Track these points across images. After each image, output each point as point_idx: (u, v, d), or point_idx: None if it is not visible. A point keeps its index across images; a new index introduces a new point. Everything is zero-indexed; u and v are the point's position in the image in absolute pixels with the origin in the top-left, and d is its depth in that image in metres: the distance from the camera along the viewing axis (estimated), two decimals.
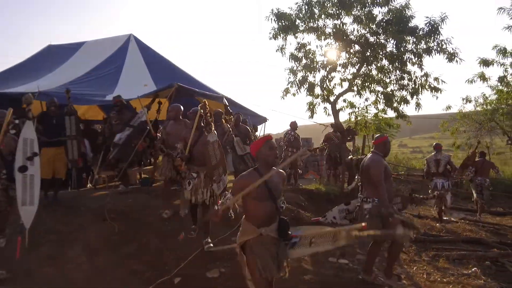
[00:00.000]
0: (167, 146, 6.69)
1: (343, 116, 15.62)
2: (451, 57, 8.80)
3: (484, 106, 14.03)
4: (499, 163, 16.08)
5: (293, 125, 11.29)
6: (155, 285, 4.45)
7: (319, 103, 10.03)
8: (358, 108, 10.47)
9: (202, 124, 5.37)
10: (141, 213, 6.51)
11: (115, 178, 7.74)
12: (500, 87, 11.55)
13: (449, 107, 14.11)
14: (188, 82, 10.04)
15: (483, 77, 11.07)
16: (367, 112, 10.84)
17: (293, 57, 9.31)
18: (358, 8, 8.98)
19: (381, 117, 11.08)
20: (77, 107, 8.81)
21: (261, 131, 13.02)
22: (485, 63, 10.41)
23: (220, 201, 4.11)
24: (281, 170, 3.50)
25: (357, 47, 9.32)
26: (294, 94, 9.40)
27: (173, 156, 6.18)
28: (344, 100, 10.37)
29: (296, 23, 9.43)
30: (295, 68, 9.37)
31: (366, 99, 9.71)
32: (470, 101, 14.01)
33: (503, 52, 10.33)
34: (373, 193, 4.76)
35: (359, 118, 11.14)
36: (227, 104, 9.48)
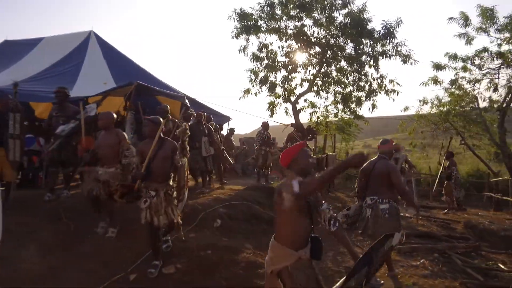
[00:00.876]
0: (96, 159, 5.73)
1: (305, 116, 15.87)
2: (406, 59, 9.20)
3: (441, 108, 14.70)
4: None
5: (265, 125, 11.35)
6: (109, 282, 4.44)
7: (280, 103, 10.24)
8: (319, 108, 10.76)
9: (162, 135, 4.79)
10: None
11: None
12: (452, 90, 12.16)
13: (407, 108, 14.67)
14: (149, 81, 9.98)
15: (436, 81, 11.63)
16: (327, 112, 11.15)
17: (255, 57, 9.46)
18: (318, 11, 9.24)
19: (341, 118, 11.42)
20: (35, 105, 8.61)
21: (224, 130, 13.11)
22: (438, 67, 10.96)
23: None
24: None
25: (317, 49, 9.59)
26: (255, 94, 9.56)
27: (97, 173, 5.44)
28: (305, 100, 10.63)
29: (259, 24, 9.59)
30: (256, 68, 9.53)
31: (326, 99, 9.99)
32: (426, 103, 14.64)
33: (453, 57, 10.90)
34: (388, 195, 4.99)
35: (320, 118, 11.43)
36: (188, 104, 9.49)
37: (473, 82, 11.17)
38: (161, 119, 4.89)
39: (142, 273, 4.78)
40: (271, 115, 10.43)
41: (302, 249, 2.94)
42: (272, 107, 10.24)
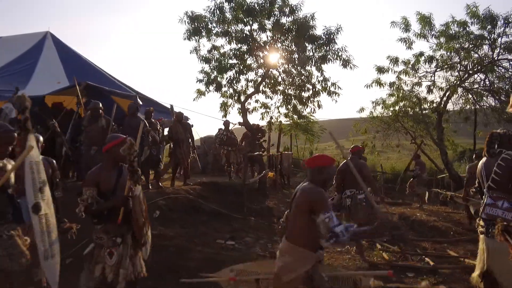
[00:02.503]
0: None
1: (257, 116, 16.39)
2: (346, 63, 9.85)
3: (392, 108, 15.48)
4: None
5: (226, 124, 11.65)
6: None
7: (233, 103, 10.74)
8: (270, 108, 11.31)
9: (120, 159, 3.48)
10: None
11: None
12: (392, 92, 12.93)
13: (362, 110, 15.35)
14: (103, 80, 10.33)
15: (379, 83, 12.38)
16: (279, 112, 11.70)
17: (204, 59, 9.93)
18: (266, 17, 9.77)
19: (291, 118, 11.93)
20: None
21: None
22: (380, 70, 11.71)
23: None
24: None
25: (264, 52, 10.14)
26: (203, 93, 10.00)
27: None
28: (257, 101, 11.16)
29: (209, 27, 10.05)
30: (206, 69, 10.00)
31: (271, 99, 10.53)
32: (379, 104, 15.39)
33: (394, 61, 11.67)
34: (360, 187, 5.88)
35: (273, 118, 11.93)
36: (141, 103, 9.83)
37: (412, 85, 12.01)
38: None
39: (77, 258, 5.00)
40: (225, 115, 10.89)
41: (318, 250, 2.91)
42: (225, 107, 10.69)
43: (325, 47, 9.89)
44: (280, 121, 12.45)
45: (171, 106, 9.97)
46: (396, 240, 7.75)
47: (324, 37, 9.72)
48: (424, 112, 13.72)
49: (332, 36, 9.64)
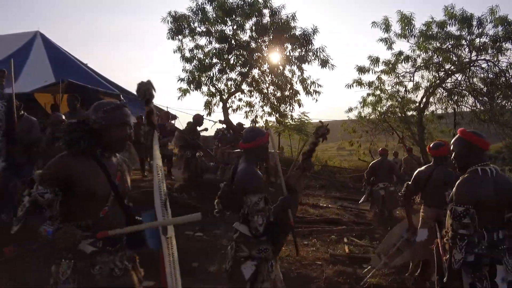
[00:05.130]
0: None
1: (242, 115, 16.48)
2: (324, 63, 10.11)
3: (379, 109, 15.67)
4: None
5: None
6: None
7: (217, 102, 11.01)
8: (254, 107, 11.57)
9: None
10: None
11: None
12: (371, 91, 13.13)
13: (350, 110, 15.55)
14: (90, 79, 10.64)
15: (360, 83, 12.62)
16: (263, 111, 11.95)
17: (185, 58, 10.22)
18: (244, 17, 10.05)
19: (276, 117, 12.14)
20: None
21: None
22: (361, 70, 11.94)
23: None
24: None
25: (242, 52, 10.41)
26: (185, 92, 10.28)
27: None
28: (240, 100, 11.43)
29: (192, 26, 10.34)
30: (187, 67, 10.29)
31: (249, 97, 10.80)
32: (366, 105, 15.58)
33: (375, 61, 11.91)
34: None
35: (257, 117, 12.15)
36: (125, 100, 10.14)
37: (393, 85, 12.24)
38: None
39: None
40: (209, 114, 11.17)
41: None
42: (209, 106, 10.97)
43: (304, 47, 10.15)
44: (266, 120, 12.69)
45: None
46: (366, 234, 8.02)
47: (301, 38, 9.97)
48: (409, 112, 13.95)
49: (309, 37, 9.89)
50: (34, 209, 1.96)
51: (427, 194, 4.30)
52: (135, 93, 2.76)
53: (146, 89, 2.59)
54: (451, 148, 2.81)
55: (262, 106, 11.60)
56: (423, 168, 4.58)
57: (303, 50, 10.24)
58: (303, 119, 12.92)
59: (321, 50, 10.08)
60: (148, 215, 2.39)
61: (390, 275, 5.49)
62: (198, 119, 8.95)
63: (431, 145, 4.47)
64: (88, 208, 2.05)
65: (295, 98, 10.43)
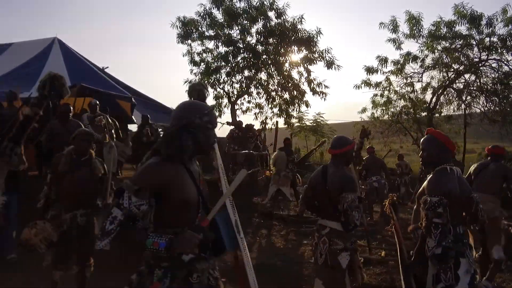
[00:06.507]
0: None
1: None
2: (330, 64, 10.21)
3: (392, 110, 15.56)
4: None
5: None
6: None
7: (227, 104, 11.27)
8: (263, 108, 11.76)
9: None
10: None
11: None
12: (379, 91, 13.05)
13: (364, 110, 15.48)
14: (103, 83, 11.06)
15: (368, 83, 12.60)
16: (272, 112, 12.12)
17: (193, 61, 10.50)
18: (249, 20, 10.26)
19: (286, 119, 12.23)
20: None
21: None
22: (369, 70, 11.93)
23: None
24: None
25: (249, 54, 10.62)
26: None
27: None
28: (249, 102, 11.65)
29: (201, 30, 10.63)
30: (194, 71, 10.58)
31: (255, 99, 10.99)
32: (376, 105, 15.51)
33: (384, 61, 11.88)
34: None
35: (267, 118, 12.31)
36: (135, 103, 10.50)
37: (401, 86, 12.15)
38: None
39: None
40: (219, 116, 11.42)
41: None
42: (219, 108, 11.23)
43: (311, 48, 10.28)
44: (277, 121, 12.83)
45: None
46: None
47: (307, 40, 10.11)
48: (422, 113, 13.79)
49: (313, 38, 10.01)
50: (128, 221, 1.84)
51: (483, 183, 4.88)
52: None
53: (198, 90, 2.69)
54: (422, 146, 2.94)
55: (271, 108, 11.77)
56: (479, 163, 5.31)
57: (309, 52, 10.36)
58: (318, 120, 12.96)
59: (326, 51, 10.17)
60: (221, 216, 2.16)
61: (381, 275, 5.57)
62: None
63: (490, 146, 5.18)
64: (183, 215, 1.96)
65: (303, 99, 10.56)
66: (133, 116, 10.51)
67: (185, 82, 10.53)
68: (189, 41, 10.64)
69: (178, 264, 1.91)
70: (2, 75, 10.94)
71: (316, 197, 3.44)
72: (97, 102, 7.82)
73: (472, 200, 2.79)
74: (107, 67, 13.35)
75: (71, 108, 6.46)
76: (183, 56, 10.85)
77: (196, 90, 2.67)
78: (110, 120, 7.92)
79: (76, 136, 3.68)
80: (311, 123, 20.97)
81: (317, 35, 9.93)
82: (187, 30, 10.44)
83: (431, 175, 2.81)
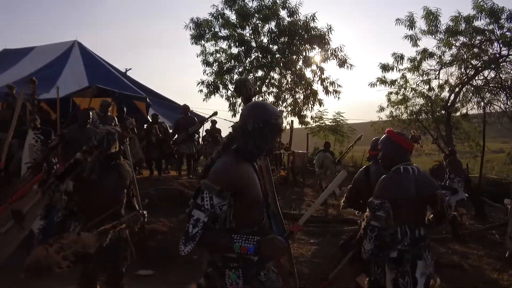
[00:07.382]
0: None
1: None
2: (342, 63, 10.12)
3: (411, 108, 15.24)
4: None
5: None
6: None
7: (241, 103, 11.36)
8: (278, 107, 11.79)
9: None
10: None
11: None
12: (394, 89, 12.79)
13: (382, 109, 15.26)
14: (119, 84, 11.33)
15: (383, 81, 12.38)
16: (287, 112, 12.12)
17: (206, 62, 10.62)
18: (261, 20, 10.29)
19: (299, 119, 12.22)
20: None
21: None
22: (385, 68, 11.73)
23: None
24: None
25: (262, 54, 10.65)
26: (213, 93, 10.68)
27: None
28: (264, 100, 11.69)
29: (214, 30, 10.75)
30: (207, 71, 10.71)
31: (266, 99, 11.01)
32: (391, 104, 15.21)
33: (400, 58, 11.65)
34: None
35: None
36: (150, 103, 10.71)
37: (418, 83, 11.87)
38: None
39: None
40: (234, 115, 11.53)
41: None
42: (233, 107, 11.34)
43: (324, 46, 10.23)
44: (292, 121, 12.84)
45: None
46: None
47: (319, 38, 10.05)
48: (442, 111, 13.46)
49: (325, 36, 9.95)
50: (211, 224, 1.79)
51: None
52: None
53: (244, 85, 2.60)
54: (379, 147, 2.90)
55: (285, 107, 11.77)
56: None
57: (322, 50, 10.31)
58: (338, 120, 12.88)
59: (339, 49, 10.09)
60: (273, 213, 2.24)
61: None
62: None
63: None
64: (254, 214, 1.94)
65: (316, 98, 10.52)
66: (148, 116, 10.73)
67: (198, 83, 10.67)
68: (203, 42, 10.76)
69: (248, 263, 1.89)
70: (24, 77, 11.38)
71: (360, 194, 3.55)
72: (110, 103, 8.02)
73: (437, 197, 2.67)
74: (130, 69, 13.70)
75: (90, 114, 6.35)
76: (197, 56, 11.01)
77: (244, 85, 2.58)
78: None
79: (108, 137, 3.15)
80: (330, 122, 20.81)
81: (328, 32, 9.86)
82: (200, 31, 10.56)
83: (382, 177, 2.74)
